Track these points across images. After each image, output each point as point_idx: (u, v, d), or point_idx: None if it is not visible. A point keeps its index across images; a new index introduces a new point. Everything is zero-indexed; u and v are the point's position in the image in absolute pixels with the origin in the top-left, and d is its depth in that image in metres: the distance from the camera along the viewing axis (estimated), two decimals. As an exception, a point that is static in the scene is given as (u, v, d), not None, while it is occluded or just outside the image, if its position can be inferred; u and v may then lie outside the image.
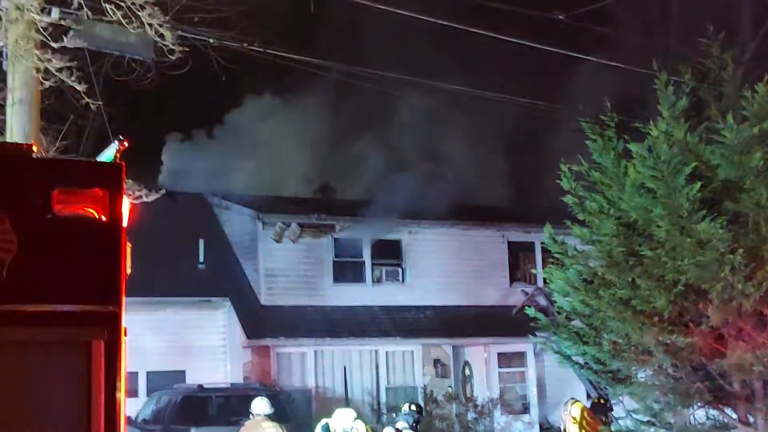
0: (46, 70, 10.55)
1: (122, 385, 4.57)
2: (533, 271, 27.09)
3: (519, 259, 28.53)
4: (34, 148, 4.63)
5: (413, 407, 13.82)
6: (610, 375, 13.09)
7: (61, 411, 4.39)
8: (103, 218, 4.58)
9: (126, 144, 4.80)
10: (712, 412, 12.94)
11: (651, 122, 11.98)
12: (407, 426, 13.40)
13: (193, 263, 25.63)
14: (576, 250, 13.24)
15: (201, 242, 25.99)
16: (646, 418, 13.38)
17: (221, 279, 25.50)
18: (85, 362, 4.44)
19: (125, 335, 4.65)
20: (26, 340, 4.36)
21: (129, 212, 4.77)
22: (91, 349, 4.46)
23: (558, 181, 13.17)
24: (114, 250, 4.63)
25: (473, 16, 16.71)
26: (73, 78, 10.55)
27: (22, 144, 4.65)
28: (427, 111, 28.98)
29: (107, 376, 4.49)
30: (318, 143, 31.01)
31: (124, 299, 4.64)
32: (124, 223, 4.69)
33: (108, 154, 4.86)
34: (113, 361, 4.53)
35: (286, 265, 25.40)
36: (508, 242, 28.15)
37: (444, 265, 26.55)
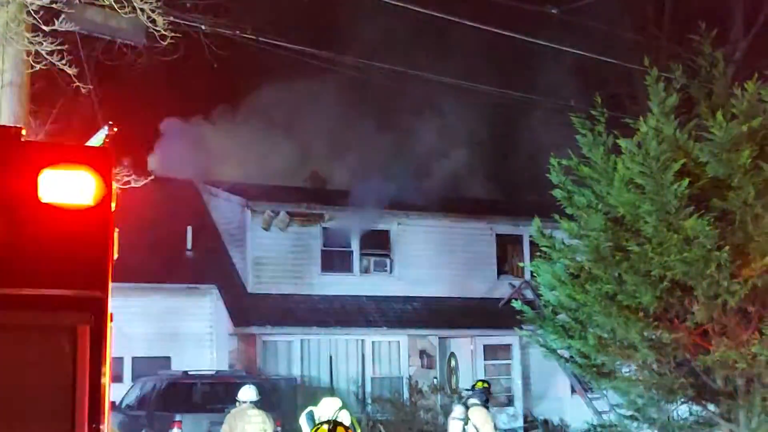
0: (37, 54, 10.50)
1: (107, 370, 4.55)
2: (521, 264, 27.16)
3: (507, 252, 28.60)
4: (23, 131, 4.60)
5: (485, 385, 13.77)
6: (594, 369, 13.12)
7: (46, 396, 4.37)
8: (91, 203, 4.56)
9: (116, 129, 4.77)
10: (695, 407, 12.99)
11: (641, 118, 11.99)
12: (478, 403, 13.30)
13: (181, 250, 25.63)
14: (563, 244, 13.26)
15: (189, 229, 25.98)
16: (629, 413, 13.43)
17: (209, 266, 25.49)
18: (71, 347, 4.41)
19: (111, 321, 4.64)
20: (10, 323, 4.33)
21: (117, 197, 4.76)
22: (76, 335, 4.43)
23: (547, 175, 13.18)
24: (101, 235, 4.60)
25: (467, 10, 16.73)
26: (63, 62, 10.50)
27: (10, 127, 4.62)
28: (419, 103, 28.99)
29: (92, 362, 4.46)
30: (309, 132, 30.96)
31: (110, 285, 4.63)
32: (112, 209, 4.67)
33: (97, 139, 4.84)
34: (98, 347, 4.49)
35: (274, 253, 25.40)
36: (497, 235, 28.20)
37: (432, 257, 26.58)
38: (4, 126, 4.60)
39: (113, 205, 4.68)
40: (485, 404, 13.29)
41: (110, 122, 4.76)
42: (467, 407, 13.27)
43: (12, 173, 4.46)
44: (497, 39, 18.79)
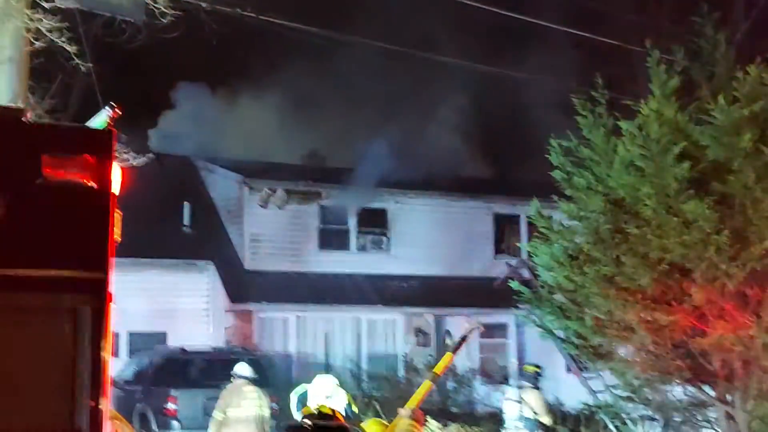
0: (37, 31, 10.43)
1: (108, 350, 4.57)
2: (518, 244, 27.15)
3: (504, 231, 28.59)
4: (26, 113, 4.58)
5: (537, 369, 14.81)
6: (591, 350, 13.14)
7: (48, 375, 4.39)
8: (93, 185, 4.55)
9: (118, 111, 4.74)
10: (691, 389, 13.02)
11: (642, 100, 11.95)
12: (530, 385, 14.46)
13: (178, 226, 25.61)
14: (562, 225, 13.23)
15: (187, 205, 25.96)
16: (626, 394, 13.48)
17: (206, 242, 25.49)
18: (72, 328, 4.43)
19: (112, 302, 4.64)
20: (12, 304, 4.34)
21: (119, 179, 4.73)
22: (77, 315, 4.44)
23: (547, 156, 13.14)
24: (103, 216, 4.60)
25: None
26: (63, 39, 10.43)
27: (12, 107, 4.60)
28: (418, 82, 28.92)
29: (93, 342, 4.49)
30: (308, 110, 30.92)
31: (111, 266, 4.62)
32: (114, 190, 4.66)
33: (99, 120, 4.81)
34: (99, 327, 4.52)
35: (271, 230, 25.41)
36: (494, 215, 28.22)
37: (429, 236, 26.57)
38: (6, 107, 4.57)
39: (115, 187, 4.67)
40: (536, 386, 14.45)
41: (112, 104, 4.73)
42: (520, 388, 14.51)
43: (13, 154, 4.46)
44: (498, 17, 18.72)
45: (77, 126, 4.83)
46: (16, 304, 4.34)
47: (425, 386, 10.30)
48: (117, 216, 4.71)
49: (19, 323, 4.35)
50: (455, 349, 11.05)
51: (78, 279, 4.48)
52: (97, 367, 4.48)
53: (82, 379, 4.41)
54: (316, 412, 4.35)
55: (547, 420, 14.38)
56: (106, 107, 4.75)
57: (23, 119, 4.58)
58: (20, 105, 8.26)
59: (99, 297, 4.52)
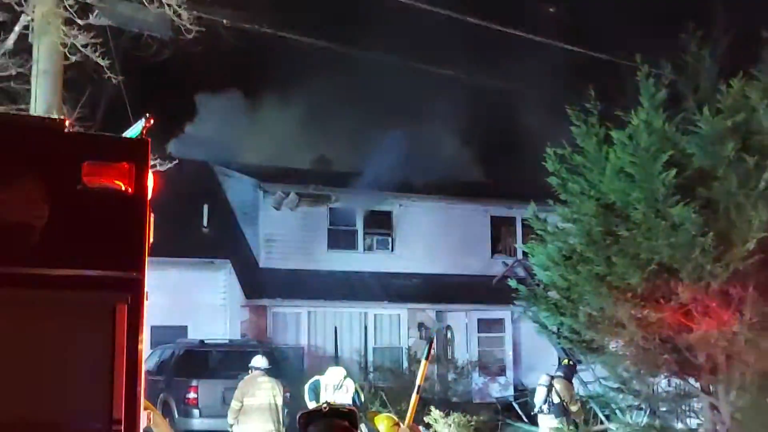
0: (72, 46, 10.45)
1: (143, 344, 4.59)
2: (516, 245, 27.18)
3: (501, 232, 28.60)
4: (66, 123, 4.60)
5: (571, 362, 15.60)
6: (584, 344, 13.15)
7: (88, 366, 4.41)
8: (130, 190, 4.57)
9: (152, 121, 4.76)
10: (677, 381, 13.03)
11: (632, 111, 11.96)
12: (561, 375, 15.12)
13: (198, 227, 25.63)
14: (557, 227, 13.25)
15: (205, 207, 25.97)
16: (616, 385, 13.48)
17: (223, 242, 25.50)
18: (110, 324, 4.44)
19: (146, 299, 4.67)
20: (56, 301, 4.36)
21: (153, 185, 4.75)
22: (115, 312, 4.46)
23: (543, 163, 13.15)
24: (139, 220, 4.62)
25: (476, 8, 16.68)
26: (97, 54, 10.46)
27: (55, 118, 4.62)
28: (421, 93, 28.94)
29: (129, 336, 4.50)
30: (318, 119, 30.93)
31: (147, 266, 4.65)
32: (149, 195, 4.68)
33: (135, 130, 4.83)
34: (135, 322, 4.54)
35: (284, 231, 25.41)
36: (491, 217, 28.21)
37: (431, 236, 26.57)
38: (50, 118, 4.59)
39: (150, 192, 4.69)
40: (567, 377, 15.12)
41: (147, 115, 4.75)
42: (552, 377, 15.04)
43: (56, 163, 4.47)
44: (493, 31, 18.73)
45: (115, 135, 4.85)
46: (60, 301, 4.36)
47: (414, 400, 10.43)
48: (151, 219, 4.73)
49: (62, 319, 4.37)
50: (427, 355, 11.14)
51: (116, 278, 4.50)
52: (134, 359, 4.50)
53: (119, 370, 4.43)
54: (326, 407, 4.35)
55: (574, 408, 14.84)
56: (142, 118, 4.76)
57: (65, 129, 4.60)
58: (60, 116, 8.29)
59: (135, 295, 4.55)
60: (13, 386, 4.26)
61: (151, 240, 4.75)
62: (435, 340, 12.18)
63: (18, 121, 4.85)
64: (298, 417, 4.29)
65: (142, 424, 4.60)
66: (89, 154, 4.52)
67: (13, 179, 4.33)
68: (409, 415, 10.38)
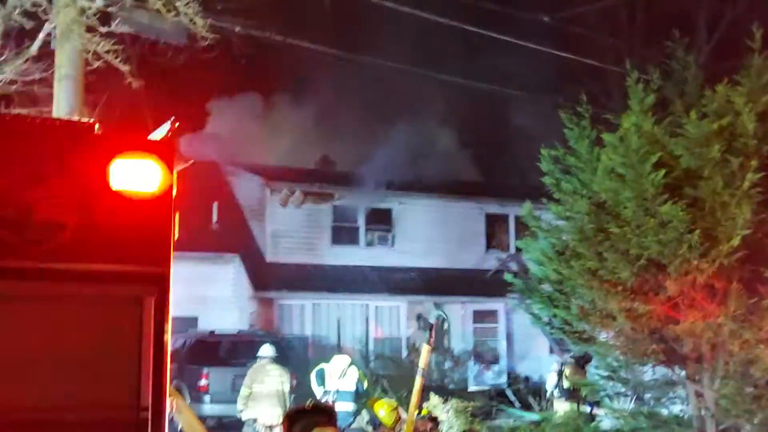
0: (95, 52, 10.43)
1: (168, 335, 4.60)
2: (509, 241, 27.22)
3: (494, 229, 28.62)
4: (96, 126, 4.60)
5: (584, 353, 15.40)
6: (576, 335, 13.11)
7: (118, 356, 4.42)
8: (156, 189, 4.57)
9: (178, 124, 4.76)
10: (664, 370, 13.00)
11: (621, 115, 11.94)
12: (572, 362, 15.56)
13: (208, 223, 25.62)
14: (551, 224, 13.22)
15: (215, 205, 25.98)
16: (606, 374, 13.46)
17: (232, 237, 25.50)
18: (138, 315, 4.46)
19: (171, 292, 4.67)
20: (87, 294, 4.37)
21: (178, 184, 4.75)
22: (143, 304, 4.47)
23: (537, 163, 13.13)
24: (165, 218, 4.62)
25: (468, 15, 16.66)
26: (118, 60, 10.45)
27: (85, 120, 4.62)
28: (420, 97, 28.93)
29: (156, 327, 4.53)
30: (322, 121, 30.91)
31: (172, 261, 4.65)
32: (174, 194, 4.67)
33: (161, 132, 4.83)
34: (161, 315, 4.55)
35: (289, 227, 25.42)
36: (486, 214, 28.24)
37: (429, 232, 26.61)
38: (80, 121, 4.59)
39: (174, 191, 4.68)
40: (580, 365, 15.45)
41: (173, 118, 4.75)
42: (562, 363, 15.61)
43: (87, 163, 4.47)
44: (488, 38, 18.71)
45: (143, 137, 4.84)
46: (92, 294, 4.37)
47: (419, 383, 10.43)
48: (176, 217, 4.73)
49: (93, 311, 4.38)
50: (429, 339, 11.14)
51: (144, 273, 4.50)
52: (160, 349, 4.51)
53: (146, 360, 4.44)
54: (309, 405, 4.65)
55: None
56: (168, 121, 4.76)
57: (95, 130, 4.60)
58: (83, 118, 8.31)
59: (161, 288, 4.56)
60: (46, 375, 4.27)
61: (176, 237, 4.75)
62: (435, 326, 12.22)
63: (51, 123, 4.84)
64: (285, 415, 4.49)
65: (168, 411, 4.61)
66: (118, 155, 4.52)
67: (47, 179, 4.34)
68: (414, 398, 10.38)
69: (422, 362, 10.77)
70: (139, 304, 4.47)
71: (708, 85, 12.04)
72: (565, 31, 23.24)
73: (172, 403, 4.83)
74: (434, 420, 10.05)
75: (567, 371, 14.98)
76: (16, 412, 4.19)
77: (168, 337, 4.59)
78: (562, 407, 15.00)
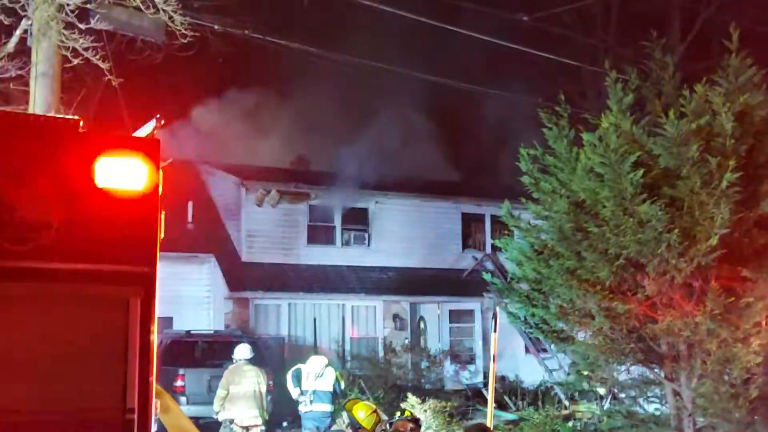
0: (74, 50, 10.30)
1: (154, 335, 4.54)
2: (485, 241, 27.28)
3: (470, 228, 28.64)
4: (81, 123, 4.53)
5: None
6: (555, 334, 13.18)
7: (103, 357, 4.37)
8: (141, 188, 4.51)
9: (163, 122, 4.70)
10: (642, 369, 13.08)
11: (602, 115, 11.99)
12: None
13: (183, 222, 25.44)
14: (529, 224, 13.26)
15: (190, 204, 25.79)
16: (585, 373, 13.53)
17: (207, 237, 25.34)
18: (124, 316, 4.41)
19: (157, 292, 4.61)
20: (72, 294, 4.31)
21: (163, 182, 4.69)
22: (129, 305, 4.42)
23: (516, 163, 13.16)
24: (150, 217, 4.57)
25: (446, 14, 16.66)
26: (97, 57, 10.32)
27: (70, 118, 4.54)
28: (396, 96, 28.91)
29: (142, 327, 4.47)
30: (297, 120, 30.81)
31: (158, 261, 4.59)
32: (160, 193, 4.62)
33: (146, 130, 4.77)
34: (147, 315, 4.50)
35: (265, 226, 25.30)
36: (462, 214, 28.24)
37: (405, 232, 26.59)
38: (64, 118, 4.52)
39: (160, 189, 4.63)
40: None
41: (158, 116, 4.69)
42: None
43: (71, 160, 4.41)
44: (466, 36, 18.70)
45: (127, 135, 4.78)
46: (77, 295, 4.30)
47: (493, 369, 10.82)
48: (162, 216, 4.67)
49: (78, 311, 4.32)
50: (495, 328, 11.47)
51: (130, 273, 4.45)
52: (146, 350, 4.45)
53: (132, 361, 4.39)
54: None
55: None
56: (153, 119, 4.70)
57: (80, 129, 4.53)
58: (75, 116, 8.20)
59: (148, 289, 4.51)
60: (30, 376, 4.21)
61: (161, 236, 4.69)
62: (498, 314, 12.38)
63: (35, 120, 4.77)
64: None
65: (154, 412, 4.55)
66: (103, 153, 4.46)
67: (31, 177, 4.27)
68: (491, 383, 10.95)
69: (493, 350, 11.16)
70: (125, 305, 4.42)
71: (684, 85, 12.12)
72: (541, 30, 23.29)
73: (156, 404, 4.76)
74: (416, 421, 9.97)
75: None
76: (0, 413, 4.12)
77: (154, 338, 4.53)
78: None
